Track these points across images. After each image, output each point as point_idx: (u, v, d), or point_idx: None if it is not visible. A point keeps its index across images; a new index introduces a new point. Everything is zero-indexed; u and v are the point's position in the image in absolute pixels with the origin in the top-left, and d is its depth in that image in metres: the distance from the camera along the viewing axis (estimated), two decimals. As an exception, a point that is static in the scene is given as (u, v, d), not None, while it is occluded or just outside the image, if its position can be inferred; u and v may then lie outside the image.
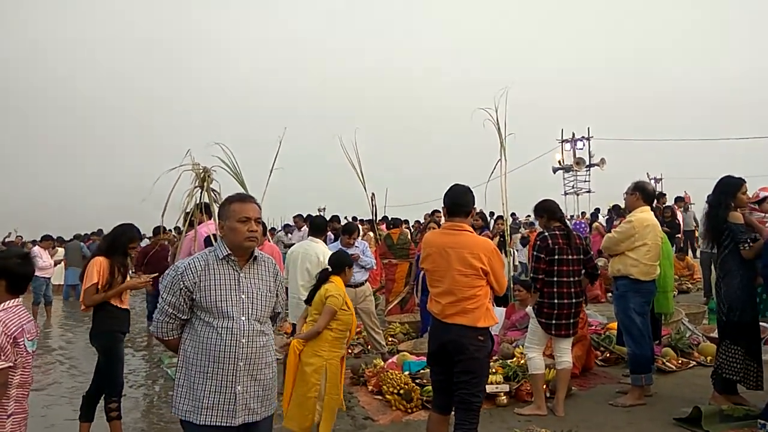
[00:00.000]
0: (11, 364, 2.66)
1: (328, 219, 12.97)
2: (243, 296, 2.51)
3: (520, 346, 5.57)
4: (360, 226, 10.25)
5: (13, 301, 2.82)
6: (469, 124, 7.87)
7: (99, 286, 4.24)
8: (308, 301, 4.33)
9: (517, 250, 13.00)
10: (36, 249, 11.93)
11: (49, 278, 11.76)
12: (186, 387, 2.48)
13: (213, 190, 5.75)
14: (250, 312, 2.51)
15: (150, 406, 5.70)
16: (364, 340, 7.12)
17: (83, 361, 7.53)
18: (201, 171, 5.60)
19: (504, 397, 4.84)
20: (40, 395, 5.81)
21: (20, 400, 2.76)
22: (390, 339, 7.16)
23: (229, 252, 2.53)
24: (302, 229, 11.84)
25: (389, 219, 11.62)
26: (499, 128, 7.76)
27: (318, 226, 6.16)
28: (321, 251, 5.30)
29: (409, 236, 9.98)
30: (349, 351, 6.93)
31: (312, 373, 4.02)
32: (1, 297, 2.79)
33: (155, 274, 5.04)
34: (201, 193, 5.67)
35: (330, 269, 4.41)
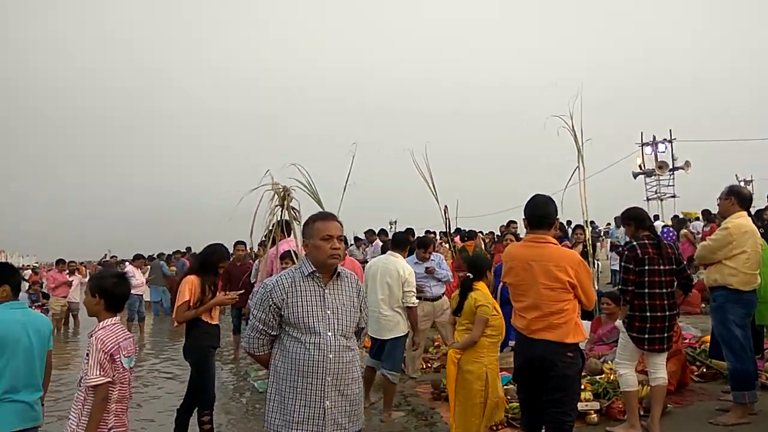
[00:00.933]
0: (110, 380, 2.83)
1: (377, 231, 13.13)
2: (328, 312, 2.57)
3: (609, 362, 5.34)
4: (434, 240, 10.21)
5: (111, 319, 3.00)
6: (542, 132, 7.70)
7: (191, 303, 4.46)
8: (457, 311, 4.36)
9: (610, 258, 12.54)
10: (129, 267, 12.68)
11: (142, 295, 12.46)
12: (277, 401, 2.54)
13: (293, 209, 5.91)
14: (336, 327, 2.56)
15: (239, 420, 5.88)
16: (444, 354, 7.05)
17: (176, 375, 7.90)
18: (281, 190, 5.78)
19: (594, 416, 4.65)
20: (136, 410, 6.13)
21: (119, 414, 2.93)
22: (469, 353, 7.04)
23: (314, 269, 2.60)
24: (374, 243, 11.93)
25: (463, 231, 11.52)
26: (575, 134, 7.54)
27: (399, 242, 6.05)
28: (401, 266, 5.31)
29: (484, 248, 9.83)
30: (428, 365, 6.89)
31: (475, 380, 4.05)
32: (100, 315, 2.99)
33: (241, 291, 5.24)
34: (282, 211, 5.85)
35: (471, 276, 4.40)
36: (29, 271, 24.32)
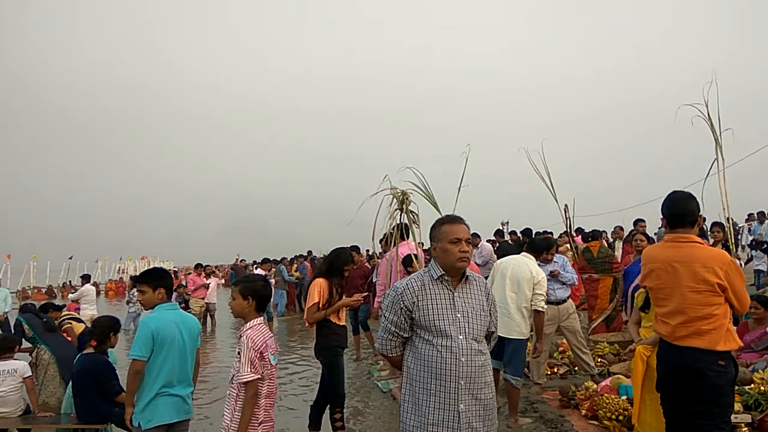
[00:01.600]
0: (260, 376, 3.03)
1: (494, 232, 12.78)
2: (458, 315, 2.57)
3: (760, 371, 4.86)
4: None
5: (257, 319, 3.22)
6: (673, 122, 7.18)
7: (320, 305, 4.67)
8: (644, 308, 4.31)
9: (754, 257, 11.43)
10: (259, 271, 13.52)
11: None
12: (411, 403, 2.58)
13: (411, 212, 5.99)
14: (467, 331, 2.55)
15: (366, 418, 6.05)
16: (570, 360, 6.79)
17: (307, 373, 8.28)
18: (400, 195, 5.89)
19: (746, 429, 4.24)
20: (276, 404, 6.50)
21: (268, 409, 3.12)
22: (599, 360, 6.72)
23: (443, 272, 2.61)
24: (479, 245, 11.67)
25: (586, 231, 10.99)
26: (711, 124, 6.94)
27: (537, 246, 5.84)
28: (534, 268, 5.20)
29: (609, 249, 9.31)
30: (554, 371, 6.66)
31: None
32: (249, 316, 3.21)
33: (365, 294, 5.40)
34: (401, 215, 5.95)
35: None
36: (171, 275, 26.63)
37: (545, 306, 5.21)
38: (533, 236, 10.31)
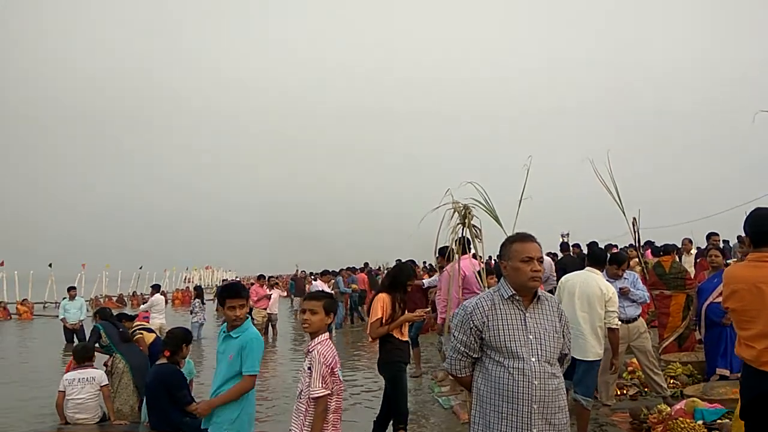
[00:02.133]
0: (330, 392, 3.06)
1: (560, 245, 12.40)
2: (531, 337, 2.51)
3: None
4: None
5: (325, 334, 3.25)
6: (746, 129, 6.85)
7: (383, 320, 4.68)
8: None
9: None
10: (318, 282, 13.69)
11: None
12: (482, 425, 2.54)
13: (474, 227, 5.93)
14: (539, 353, 2.49)
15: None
16: (640, 380, 6.52)
17: (368, 388, 8.30)
18: (462, 209, 5.84)
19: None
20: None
21: (336, 424, 3.15)
22: (671, 381, 6.42)
23: (514, 292, 2.56)
24: None
25: (656, 244, 10.56)
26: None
27: (597, 257, 5.66)
28: (603, 283, 4.99)
29: (681, 264, 8.90)
30: (623, 392, 6.41)
31: None
32: (321, 331, 3.25)
33: (428, 309, 5.37)
34: (463, 230, 5.90)
35: None
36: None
37: (619, 322, 5.03)
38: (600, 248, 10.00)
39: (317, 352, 3.10)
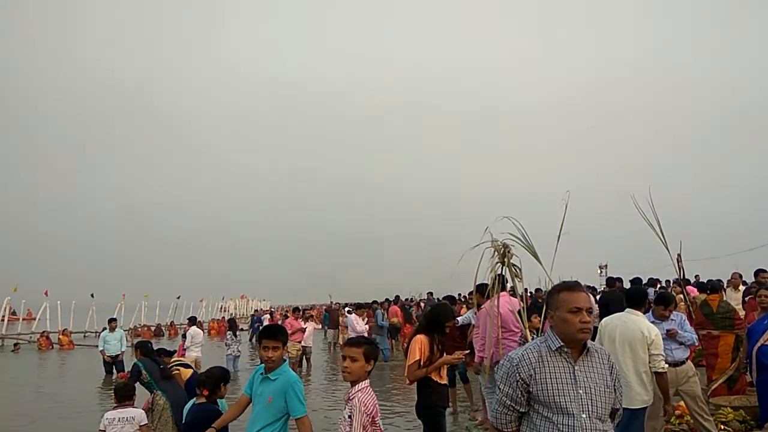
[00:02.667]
0: None
1: (614, 279, 12.02)
2: (581, 391, 2.43)
3: None
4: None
5: (366, 381, 3.21)
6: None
7: (421, 362, 4.61)
8: None
9: None
10: (353, 317, 13.66)
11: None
12: None
13: (514, 265, 5.85)
14: (590, 409, 2.41)
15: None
16: (689, 426, 6.24)
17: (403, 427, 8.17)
18: (501, 248, 5.78)
19: None
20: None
21: None
22: (722, 427, 6.14)
23: (562, 344, 2.49)
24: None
25: (701, 281, 10.22)
26: None
27: (637, 297, 5.29)
28: (645, 325, 4.77)
29: (730, 303, 8.57)
30: (672, 438, 6.15)
31: None
32: (362, 378, 3.21)
33: (467, 351, 5.28)
34: (503, 268, 5.82)
35: None
36: (267, 316, 27.52)
37: (666, 366, 4.82)
38: (641, 285, 9.73)
39: (358, 400, 3.06)
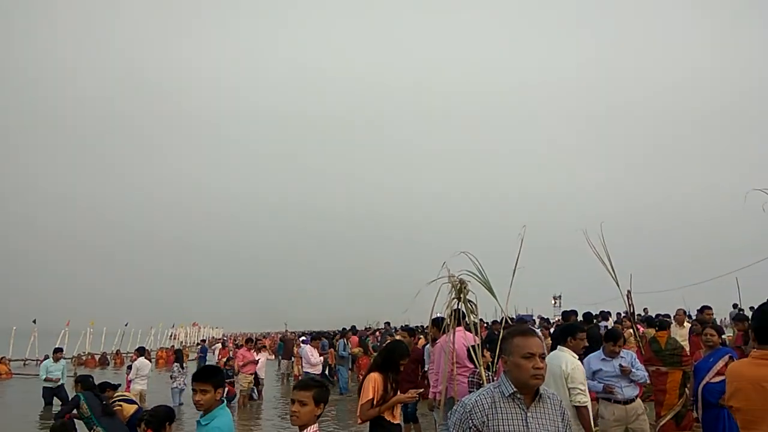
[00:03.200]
0: None
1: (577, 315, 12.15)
2: None
3: None
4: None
5: (314, 425, 3.11)
6: (741, 207, 6.94)
7: (374, 401, 4.52)
8: None
9: None
10: (307, 348, 13.39)
11: (318, 374, 13.03)
12: None
13: (469, 301, 5.87)
14: None
15: None
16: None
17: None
18: (458, 283, 5.79)
19: None
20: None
21: None
22: (670, 464, 6.22)
23: (515, 389, 2.49)
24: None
25: (651, 316, 10.47)
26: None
27: (566, 333, 5.22)
28: (565, 360, 4.79)
29: (677, 341, 8.79)
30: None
31: None
32: (310, 422, 3.10)
33: (421, 390, 5.22)
34: (458, 304, 5.83)
35: None
36: (219, 345, 26.76)
37: (585, 400, 4.72)
38: (592, 321, 9.90)
39: None
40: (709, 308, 9.85)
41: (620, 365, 5.74)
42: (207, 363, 14.25)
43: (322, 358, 14.05)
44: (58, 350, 14.70)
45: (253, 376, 13.66)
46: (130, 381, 12.34)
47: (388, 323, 22.07)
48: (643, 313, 14.85)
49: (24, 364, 29.93)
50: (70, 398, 10.36)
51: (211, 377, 3.50)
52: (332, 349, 16.65)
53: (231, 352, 19.66)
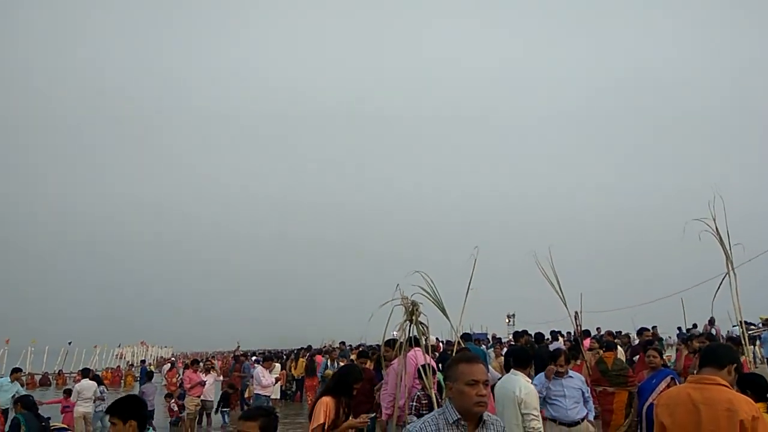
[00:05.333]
0: None
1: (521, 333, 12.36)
2: None
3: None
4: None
5: None
6: (681, 237, 7.26)
7: (326, 426, 4.47)
8: None
9: None
10: (259, 369, 13.09)
11: (269, 396, 12.73)
12: None
13: (421, 323, 5.91)
14: None
15: None
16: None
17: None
18: (410, 305, 5.83)
19: None
20: None
21: None
22: (617, 483, 6.35)
23: (459, 416, 2.51)
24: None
25: (596, 336, 10.76)
26: (721, 239, 7.00)
27: (520, 358, 5.10)
28: (518, 385, 4.69)
29: (624, 362, 9.04)
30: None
31: None
32: None
33: (373, 414, 5.20)
34: (410, 326, 5.86)
35: None
36: (168, 365, 25.90)
37: (539, 425, 4.65)
38: (542, 341, 10.09)
39: None
40: (648, 329, 10.17)
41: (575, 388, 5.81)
42: (144, 385, 13.54)
43: (273, 379, 13.73)
44: (17, 370, 13.88)
45: (200, 398, 13.21)
46: (65, 406, 11.72)
47: (343, 343, 21.89)
48: (596, 332, 15.20)
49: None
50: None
51: (118, 410, 3.36)
52: (283, 371, 16.36)
53: (180, 373, 19.03)
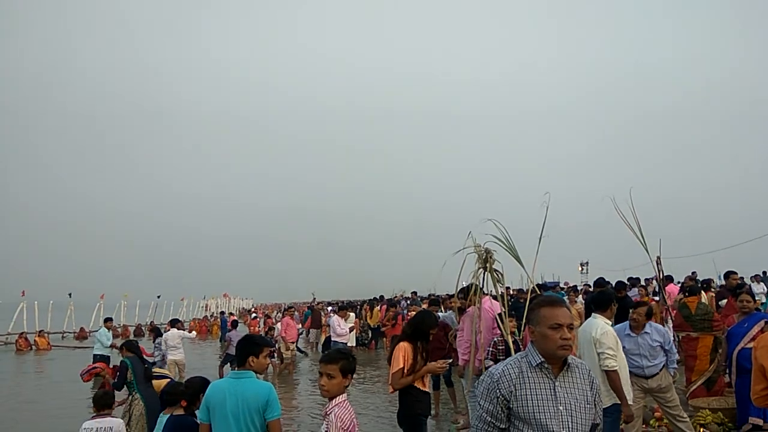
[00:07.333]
0: None
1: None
2: (561, 408, 2.40)
3: None
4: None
5: (344, 395, 3.17)
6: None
7: (405, 371, 4.57)
8: None
9: None
10: (335, 318, 13.53)
11: (346, 344, 13.18)
12: None
13: (495, 271, 5.85)
14: (570, 425, 2.39)
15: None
16: (668, 428, 6.28)
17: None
18: (483, 253, 5.77)
19: None
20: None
21: None
22: (701, 429, 6.19)
23: (543, 359, 2.47)
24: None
25: (680, 281, 10.31)
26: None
27: (600, 301, 5.22)
28: (596, 326, 4.84)
29: (708, 306, 8.64)
30: (651, 441, 6.19)
31: None
32: (339, 392, 3.16)
33: (450, 360, 5.27)
34: (484, 274, 5.82)
35: None
36: (251, 315, 27.11)
37: (613, 365, 4.71)
38: (624, 289, 9.74)
39: (335, 415, 3.03)
40: (735, 273, 9.66)
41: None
42: (229, 332, 14.40)
43: (348, 328, 14.15)
44: (108, 319, 15.09)
45: (294, 344, 13.96)
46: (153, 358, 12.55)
47: (414, 293, 22.18)
48: (676, 279, 14.53)
49: (62, 337, 30.95)
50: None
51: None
52: (358, 319, 16.82)
53: (261, 321, 19.92)
